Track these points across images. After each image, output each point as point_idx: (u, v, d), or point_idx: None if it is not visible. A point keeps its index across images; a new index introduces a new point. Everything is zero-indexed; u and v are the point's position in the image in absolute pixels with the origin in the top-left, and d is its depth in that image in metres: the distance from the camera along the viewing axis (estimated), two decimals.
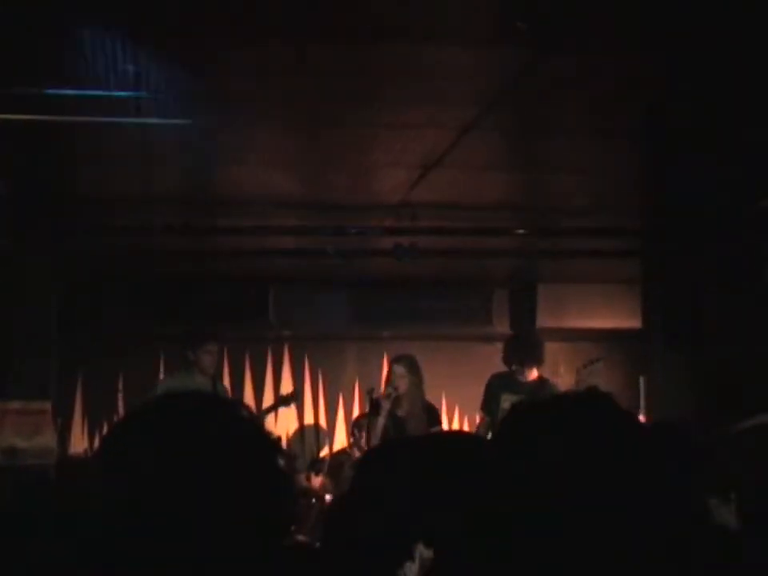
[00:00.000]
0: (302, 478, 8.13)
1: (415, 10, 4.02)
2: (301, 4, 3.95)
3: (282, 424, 9.06)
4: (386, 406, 6.82)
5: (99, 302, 8.87)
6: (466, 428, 9.21)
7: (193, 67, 4.52)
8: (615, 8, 3.99)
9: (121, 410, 8.84)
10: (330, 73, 4.67)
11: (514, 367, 7.04)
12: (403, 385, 6.87)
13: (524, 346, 7.11)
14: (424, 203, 7.13)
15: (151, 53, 4.35)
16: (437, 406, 8.20)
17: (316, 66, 4.54)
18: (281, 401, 8.48)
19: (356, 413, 8.65)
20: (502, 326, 9.06)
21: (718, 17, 3.99)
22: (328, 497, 7.22)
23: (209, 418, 1.46)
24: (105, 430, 8.66)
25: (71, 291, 8.12)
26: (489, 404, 7.11)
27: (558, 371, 8.03)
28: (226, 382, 8.83)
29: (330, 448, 9.25)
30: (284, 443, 9.01)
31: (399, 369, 6.93)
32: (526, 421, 1.51)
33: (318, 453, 9.18)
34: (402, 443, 3.13)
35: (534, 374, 7.00)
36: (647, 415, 7.11)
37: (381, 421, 6.79)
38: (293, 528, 6.20)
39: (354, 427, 7.36)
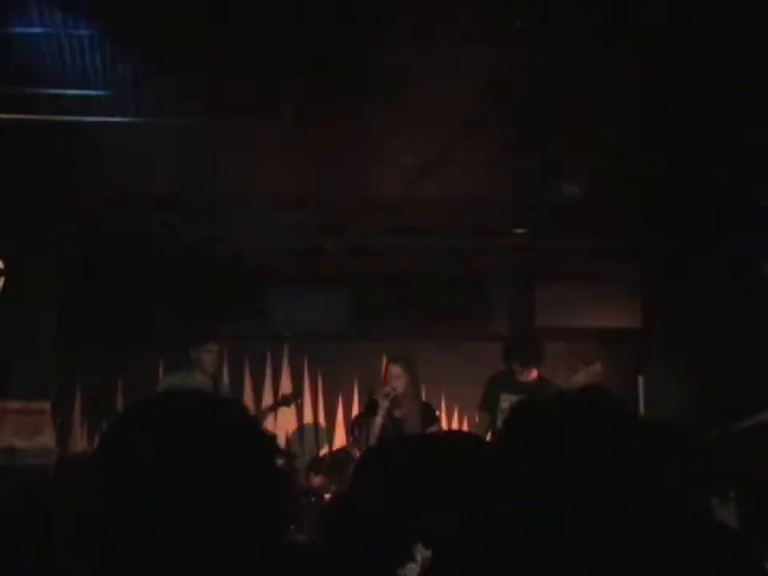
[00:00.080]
0: (301, 477, 8.12)
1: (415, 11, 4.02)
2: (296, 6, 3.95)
3: (282, 423, 9.06)
4: (383, 405, 6.82)
5: (99, 302, 8.86)
6: (465, 428, 9.21)
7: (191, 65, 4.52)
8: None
9: (120, 409, 8.84)
10: (329, 72, 4.66)
11: (513, 367, 7.03)
12: (400, 385, 6.87)
13: (523, 345, 7.10)
14: (423, 203, 7.13)
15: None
16: (436, 406, 8.19)
17: (316, 66, 4.53)
18: (281, 401, 8.48)
19: (355, 412, 8.64)
20: (502, 326, 9.06)
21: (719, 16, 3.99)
22: (327, 496, 7.22)
23: (207, 416, 1.46)
24: (105, 428, 8.64)
25: (71, 291, 8.11)
26: (488, 404, 7.11)
27: (557, 371, 8.02)
28: (226, 381, 8.83)
29: (330, 447, 9.25)
30: (283, 442, 9.00)
31: (396, 369, 6.93)
32: (527, 421, 1.50)
33: (318, 452, 9.18)
34: (400, 443, 3.12)
35: (533, 373, 6.98)
36: (646, 415, 7.12)
37: (379, 420, 6.78)
38: (292, 527, 6.20)
39: (352, 427, 7.35)
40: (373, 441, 6.69)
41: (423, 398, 7.53)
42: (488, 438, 6.56)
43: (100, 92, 4.77)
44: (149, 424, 1.44)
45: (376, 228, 7.74)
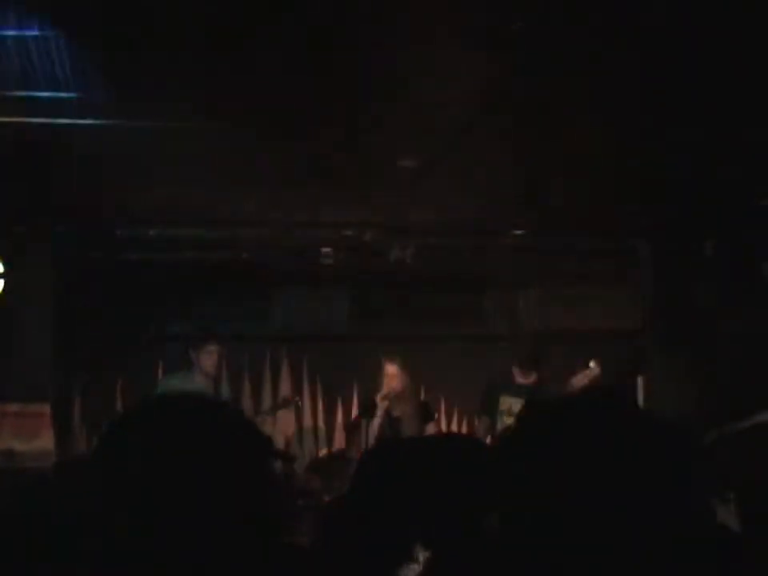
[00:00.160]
0: (300, 478, 8.12)
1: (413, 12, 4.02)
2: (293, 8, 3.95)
3: (281, 425, 9.05)
4: (381, 405, 6.82)
5: (99, 303, 8.86)
6: (464, 428, 9.21)
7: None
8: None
9: (119, 411, 8.83)
10: (328, 73, 4.66)
11: (512, 369, 7.02)
12: (398, 384, 6.88)
13: (523, 347, 7.09)
14: (422, 203, 7.13)
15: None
16: (435, 406, 8.20)
17: (315, 66, 4.53)
18: (281, 403, 8.48)
19: (354, 413, 8.64)
20: (501, 327, 9.06)
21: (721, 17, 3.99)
22: (327, 497, 7.22)
23: (204, 418, 1.46)
24: (103, 429, 8.62)
25: (71, 292, 8.11)
26: (487, 406, 7.10)
27: (557, 372, 8.02)
28: (225, 383, 8.83)
29: (329, 448, 9.24)
30: (283, 444, 9.00)
31: (393, 368, 6.94)
32: (529, 422, 1.50)
33: (317, 453, 9.17)
34: (400, 444, 3.13)
35: (532, 375, 6.97)
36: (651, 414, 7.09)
37: (377, 421, 6.79)
38: (292, 528, 6.19)
39: (351, 428, 7.36)
40: (371, 441, 6.70)
41: (422, 397, 7.54)
42: (488, 440, 6.55)
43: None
44: (148, 425, 1.44)
45: (374, 227, 7.74)
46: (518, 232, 7.87)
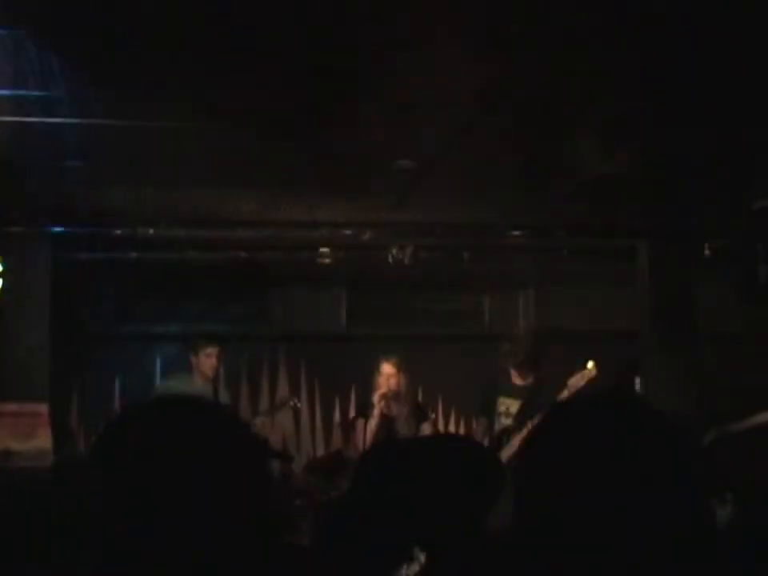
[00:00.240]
0: (298, 478, 8.12)
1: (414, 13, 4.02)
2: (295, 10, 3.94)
3: (279, 425, 9.05)
4: (378, 406, 6.82)
5: (97, 303, 8.85)
6: (462, 428, 9.21)
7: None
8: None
9: (117, 411, 8.82)
10: (328, 73, 4.66)
11: (510, 370, 6.99)
12: (394, 383, 6.87)
13: (521, 348, 7.05)
14: (421, 203, 7.13)
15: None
16: (433, 407, 8.20)
17: (315, 66, 4.53)
18: (279, 405, 8.47)
19: (352, 413, 8.65)
20: (500, 327, 9.06)
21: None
22: (324, 497, 7.21)
23: (202, 418, 1.46)
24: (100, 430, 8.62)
25: (69, 292, 8.10)
26: (485, 408, 7.07)
27: (556, 373, 8.01)
28: (223, 384, 8.82)
29: (327, 448, 9.24)
30: (280, 444, 8.99)
31: (389, 367, 6.93)
32: (550, 426, 1.50)
33: (315, 453, 9.17)
34: (399, 445, 3.12)
35: (530, 377, 6.95)
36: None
37: (373, 421, 6.79)
38: (291, 528, 6.19)
39: (348, 428, 7.35)
40: (369, 441, 6.70)
41: (420, 398, 7.53)
42: (486, 441, 6.54)
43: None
44: (146, 425, 1.44)
45: (373, 228, 7.74)
46: (518, 233, 7.86)
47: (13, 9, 3.89)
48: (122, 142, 5.56)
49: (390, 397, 6.86)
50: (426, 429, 6.95)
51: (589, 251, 8.26)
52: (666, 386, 7.38)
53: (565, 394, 6.38)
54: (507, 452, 6.36)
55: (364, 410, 6.97)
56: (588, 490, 1.35)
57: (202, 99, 4.92)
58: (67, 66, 4.43)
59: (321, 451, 9.21)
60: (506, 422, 6.66)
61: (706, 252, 7.73)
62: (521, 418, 6.51)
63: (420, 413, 7.10)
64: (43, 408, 7.20)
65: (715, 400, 6.81)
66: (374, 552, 2.08)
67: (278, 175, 6.35)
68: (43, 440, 7.10)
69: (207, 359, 7.35)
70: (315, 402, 9.40)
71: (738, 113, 5.12)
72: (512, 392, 6.77)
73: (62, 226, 7.48)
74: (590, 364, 6.54)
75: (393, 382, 6.88)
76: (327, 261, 8.20)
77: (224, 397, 7.72)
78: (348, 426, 7.53)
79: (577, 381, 6.49)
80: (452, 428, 9.31)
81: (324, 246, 8.08)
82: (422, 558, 2.05)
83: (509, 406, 6.71)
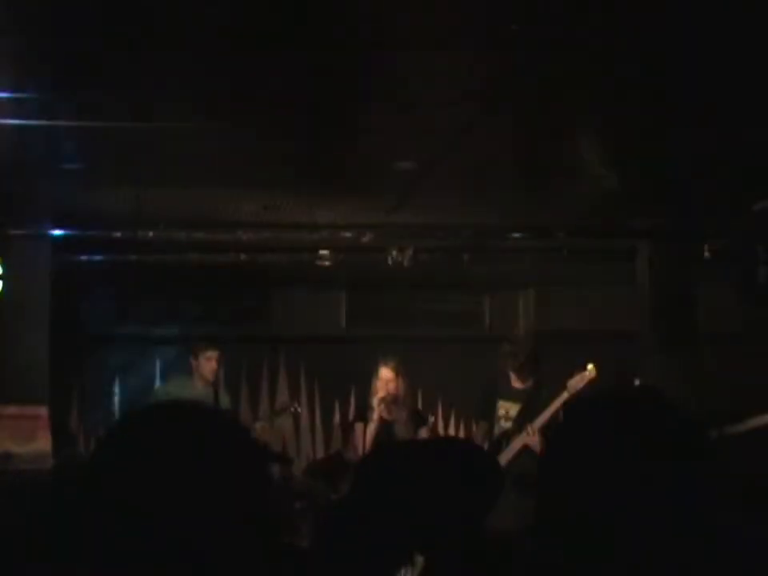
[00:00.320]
0: (298, 481, 8.11)
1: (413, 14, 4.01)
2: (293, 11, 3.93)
3: (279, 428, 9.04)
4: (377, 409, 6.82)
5: (96, 305, 8.85)
6: (461, 431, 9.21)
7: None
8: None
9: (117, 414, 8.82)
10: (328, 73, 4.65)
11: (510, 373, 6.96)
12: (392, 387, 6.86)
13: (519, 350, 7.02)
14: (421, 205, 7.13)
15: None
16: (433, 409, 8.20)
17: (315, 66, 4.52)
18: (279, 409, 8.46)
19: (351, 416, 8.64)
20: (500, 328, 9.06)
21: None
22: (324, 500, 7.21)
23: (202, 422, 1.46)
24: (101, 434, 8.62)
25: (68, 294, 8.10)
26: (484, 410, 7.05)
27: (553, 374, 8.00)
28: (224, 387, 8.81)
29: (326, 451, 9.23)
30: (280, 447, 8.99)
31: (387, 371, 6.91)
32: (572, 428, 1.49)
33: (314, 456, 9.17)
34: (400, 448, 3.12)
35: (529, 380, 6.92)
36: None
37: (372, 425, 6.79)
38: (291, 530, 6.19)
39: (348, 431, 7.35)
40: (368, 444, 6.69)
41: (420, 401, 7.53)
42: (485, 445, 6.52)
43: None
44: (147, 431, 1.44)
45: (373, 229, 7.74)
46: (518, 234, 7.86)
47: (13, 10, 3.89)
48: (122, 143, 5.56)
49: (389, 401, 6.84)
50: (425, 434, 6.96)
51: (589, 251, 8.26)
52: (665, 386, 7.37)
53: (564, 395, 6.37)
54: (507, 455, 6.36)
55: (363, 413, 6.96)
56: (614, 488, 1.35)
57: (202, 99, 4.92)
58: (67, 67, 4.43)
59: (321, 453, 9.20)
60: (506, 425, 6.64)
61: (706, 252, 7.73)
62: (520, 421, 6.50)
63: (419, 418, 7.10)
64: (43, 411, 7.20)
65: (715, 400, 6.80)
66: (374, 554, 2.07)
67: (278, 176, 6.35)
68: (43, 443, 7.09)
69: (207, 362, 7.34)
70: (315, 404, 9.39)
71: (738, 113, 5.11)
72: (511, 395, 6.75)
73: (61, 229, 7.48)
74: (590, 366, 6.52)
75: (391, 386, 6.86)
76: (327, 263, 8.20)
77: (224, 399, 7.71)
78: (347, 429, 7.52)
79: (576, 382, 6.48)
80: (452, 431, 9.30)
81: (324, 247, 8.07)
82: (421, 561, 2.05)
83: (508, 409, 6.69)
